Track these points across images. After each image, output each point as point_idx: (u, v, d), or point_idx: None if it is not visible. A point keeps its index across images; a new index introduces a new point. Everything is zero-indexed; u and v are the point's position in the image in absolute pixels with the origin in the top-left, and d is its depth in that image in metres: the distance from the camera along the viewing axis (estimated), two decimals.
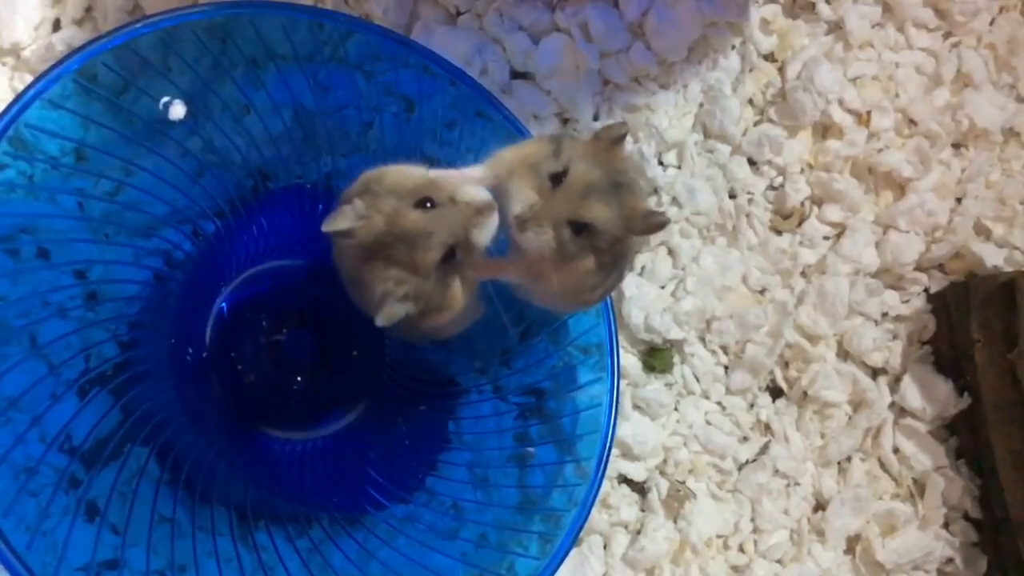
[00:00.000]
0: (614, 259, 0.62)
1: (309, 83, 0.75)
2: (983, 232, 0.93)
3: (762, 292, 0.91)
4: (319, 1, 0.90)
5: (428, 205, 0.59)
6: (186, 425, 0.74)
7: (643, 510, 0.87)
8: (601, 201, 0.58)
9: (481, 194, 0.60)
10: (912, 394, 0.90)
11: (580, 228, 0.59)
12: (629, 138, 0.91)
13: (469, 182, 0.62)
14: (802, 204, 0.92)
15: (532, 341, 0.80)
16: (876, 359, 0.91)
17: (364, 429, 0.80)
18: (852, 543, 0.89)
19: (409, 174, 0.62)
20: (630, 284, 0.88)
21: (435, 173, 0.63)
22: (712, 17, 0.91)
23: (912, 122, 0.94)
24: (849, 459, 0.90)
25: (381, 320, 0.59)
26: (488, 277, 0.66)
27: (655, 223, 0.61)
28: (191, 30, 0.69)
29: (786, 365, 0.91)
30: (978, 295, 0.86)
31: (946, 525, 0.90)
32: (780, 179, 0.92)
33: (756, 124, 0.93)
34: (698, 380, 0.89)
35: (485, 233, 0.60)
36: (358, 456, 0.79)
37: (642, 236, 0.64)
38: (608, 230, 0.59)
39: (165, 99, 0.70)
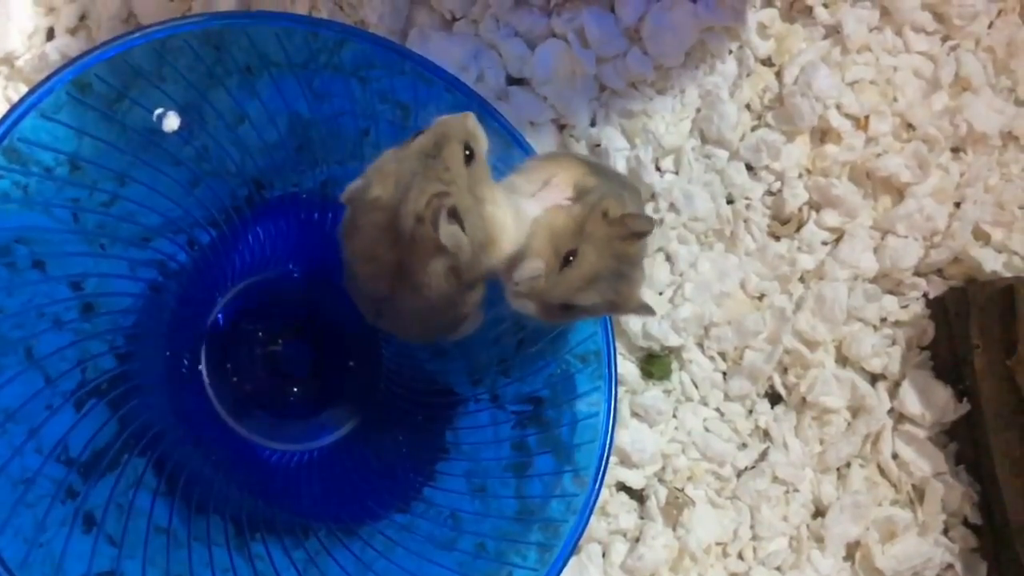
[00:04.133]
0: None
1: (304, 91, 0.75)
2: (982, 237, 0.92)
3: (760, 298, 0.91)
4: (314, 7, 0.90)
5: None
6: (183, 436, 0.74)
7: (642, 517, 0.87)
8: (597, 291, 0.62)
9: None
10: (911, 400, 0.89)
11: (568, 307, 0.62)
12: (626, 144, 0.91)
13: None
14: (800, 209, 0.92)
15: (530, 349, 0.80)
16: (875, 365, 0.90)
17: (361, 440, 0.80)
18: (851, 550, 0.88)
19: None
20: None
21: None
22: (709, 22, 0.91)
23: (910, 126, 0.94)
24: (848, 465, 0.90)
25: (443, 235, 0.56)
26: None
27: (642, 313, 0.66)
28: (185, 40, 0.68)
29: (785, 371, 0.90)
30: (977, 300, 0.86)
31: (946, 531, 0.89)
32: (778, 184, 0.92)
33: (754, 129, 0.93)
34: (696, 387, 0.89)
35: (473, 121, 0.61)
36: (355, 467, 0.79)
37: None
38: (594, 311, 0.64)
39: (159, 110, 0.70)
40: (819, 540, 0.88)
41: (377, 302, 0.66)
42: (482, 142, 0.61)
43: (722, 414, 0.90)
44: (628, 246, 0.62)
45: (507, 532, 0.75)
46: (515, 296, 0.62)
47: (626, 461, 0.86)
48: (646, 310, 0.65)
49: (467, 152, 0.59)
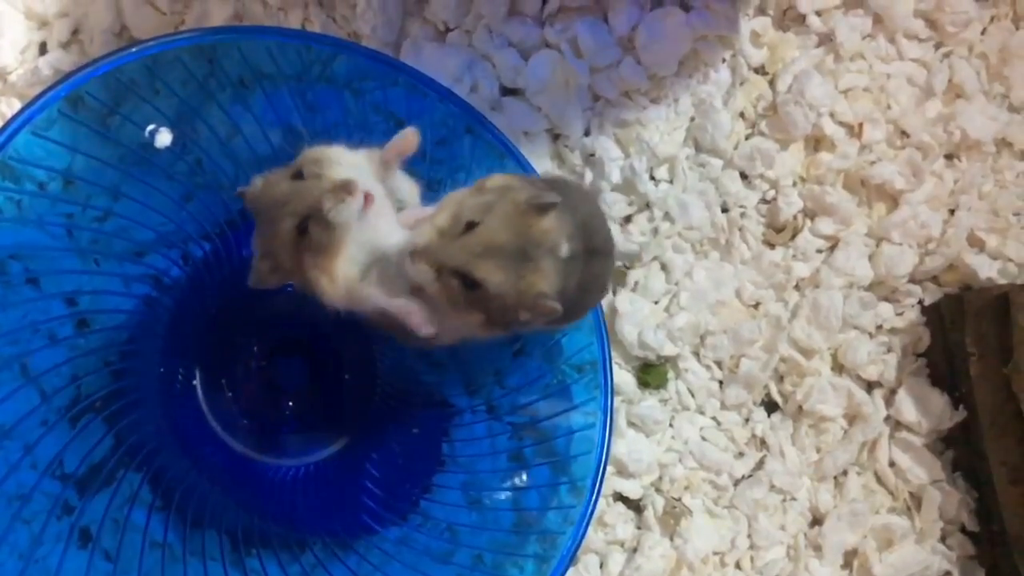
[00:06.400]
0: (506, 326, 0.60)
1: (297, 103, 0.75)
2: (977, 244, 0.92)
3: (756, 306, 0.91)
4: (306, 20, 0.90)
5: (301, 178, 0.60)
6: (178, 451, 0.74)
7: (639, 528, 0.87)
8: (497, 265, 0.57)
9: (346, 174, 0.60)
10: (907, 407, 0.89)
11: (472, 284, 0.57)
12: (620, 153, 0.91)
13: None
14: (795, 217, 0.92)
15: (526, 360, 0.80)
16: (871, 372, 0.90)
17: (357, 453, 0.80)
18: (849, 558, 0.88)
19: (320, 151, 0.62)
20: (623, 300, 0.88)
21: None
22: (702, 31, 0.91)
23: (904, 134, 0.94)
24: (845, 473, 0.90)
25: (249, 280, 0.63)
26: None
27: (542, 307, 0.58)
28: (177, 54, 0.68)
29: (781, 379, 0.90)
30: (972, 308, 0.86)
31: (943, 539, 0.89)
32: (772, 192, 0.92)
33: (748, 138, 0.93)
34: (693, 395, 0.89)
35: (337, 209, 0.59)
36: (351, 480, 0.78)
37: (534, 318, 0.59)
38: (500, 295, 0.57)
39: (151, 127, 0.70)
40: (817, 549, 0.88)
41: None
42: (330, 213, 0.59)
43: (718, 423, 0.90)
44: (531, 223, 0.57)
45: (504, 544, 0.75)
46: (410, 260, 0.58)
47: (623, 471, 0.86)
48: (548, 303, 0.57)
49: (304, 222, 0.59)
